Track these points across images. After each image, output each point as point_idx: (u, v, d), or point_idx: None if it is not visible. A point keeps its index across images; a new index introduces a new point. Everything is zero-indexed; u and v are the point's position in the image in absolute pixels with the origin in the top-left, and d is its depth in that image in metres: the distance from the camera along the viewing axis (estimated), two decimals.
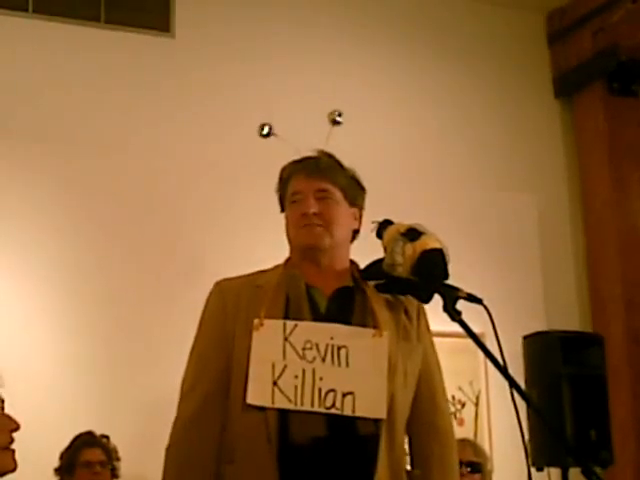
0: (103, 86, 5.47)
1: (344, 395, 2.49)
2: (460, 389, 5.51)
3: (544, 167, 6.41)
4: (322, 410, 2.46)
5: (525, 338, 5.28)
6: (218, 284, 2.70)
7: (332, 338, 2.54)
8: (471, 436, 5.20)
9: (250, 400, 2.46)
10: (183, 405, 2.58)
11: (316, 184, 2.65)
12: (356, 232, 2.74)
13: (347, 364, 2.52)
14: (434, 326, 2.73)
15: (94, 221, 5.18)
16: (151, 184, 5.34)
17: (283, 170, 2.76)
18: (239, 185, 5.44)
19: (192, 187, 5.41)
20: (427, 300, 2.56)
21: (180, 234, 5.29)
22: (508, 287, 5.80)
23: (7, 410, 2.51)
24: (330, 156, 2.74)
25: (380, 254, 2.62)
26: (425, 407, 2.64)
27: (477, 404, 5.57)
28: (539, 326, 5.52)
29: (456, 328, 2.38)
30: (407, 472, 2.59)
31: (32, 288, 5.00)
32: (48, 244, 5.07)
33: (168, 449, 2.58)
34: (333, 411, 2.47)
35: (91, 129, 5.37)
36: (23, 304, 4.96)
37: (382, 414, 2.50)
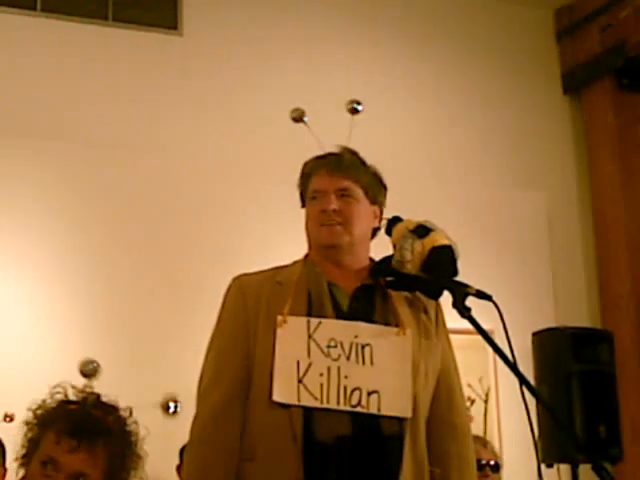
0: (111, 84, 5.48)
1: (369, 394, 2.48)
2: (469, 386, 5.50)
3: (553, 164, 6.40)
4: (348, 408, 2.46)
5: (534, 335, 5.27)
6: (237, 279, 2.69)
7: (356, 336, 2.53)
8: (480, 433, 5.20)
9: (276, 397, 2.45)
10: (203, 402, 2.56)
11: (337, 183, 2.64)
12: (376, 230, 2.73)
13: (371, 362, 2.52)
14: None
15: (108, 219, 5.19)
16: (160, 182, 5.34)
17: (305, 166, 2.75)
18: (254, 182, 5.44)
19: (204, 185, 5.40)
20: (436, 297, 2.57)
21: (197, 232, 5.29)
22: (518, 284, 5.80)
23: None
24: (353, 153, 2.73)
25: (389, 251, 2.62)
26: (443, 405, 2.64)
27: (487, 401, 5.57)
28: (548, 323, 5.50)
29: (466, 325, 2.38)
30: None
31: (44, 289, 5.01)
32: (59, 244, 5.08)
33: (189, 446, 2.56)
34: (359, 409, 2.46)
35: (99, 127, 5.37)
36: (34, 305, 4.97)
37: (407, 413, 2.50)
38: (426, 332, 2.63)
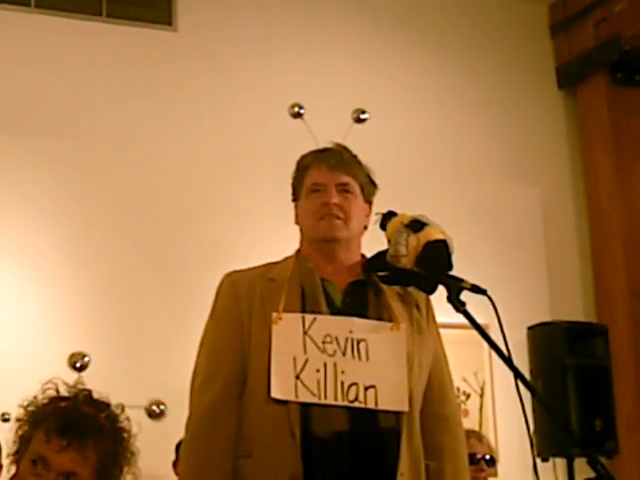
0: (105, 81, 5.47)
1: (366, 388, 2.49)
2: (465, 380, 5.51)
3: (548, 158, 6.40)
4: (345, 403, 2.46)
5: (530, 329, 5.29)
6: (229, 275, 2.68)
7: (351, 332, 2.54)
8: (476, 427, 5.21)
9: (274, 394, 2.45)
10: (198, 400, 2.55)
11: (338, 177, 2.65)
12: (364, 228, 2.73)
13: (367, 357, 2.53)
14: (439, 317, 2.73)
15: (101, 216, 5.17)
16: (155, 178, 5.33)
17: (302, 159, 2.75)
18: (250, 179, 5.44)
19: (199, 181, 5.39)
20: (431, 291, 2.56)
21: (192, 229, 5.28)
22: (513, 278, 5.80)
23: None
24: (348, 150, 2.74)
25: (384, 246, 2.62)
26: (435, 399, 2.64)
27: (482, 395, 5.57)
28: (543, 317, 5.52)
29: (460, 319, 2.39)
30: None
31: (37, 286, 5.00)
32: (53, 240, 5.07)
33: (185, 443, 2.56)
34: (356, 404, 2.47)
35: (93, 123, 5.37)
36: (30, 302, 4.96)
37: (405, 407, 2.51)
38: (418, 327, 2.63)
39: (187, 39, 5.73)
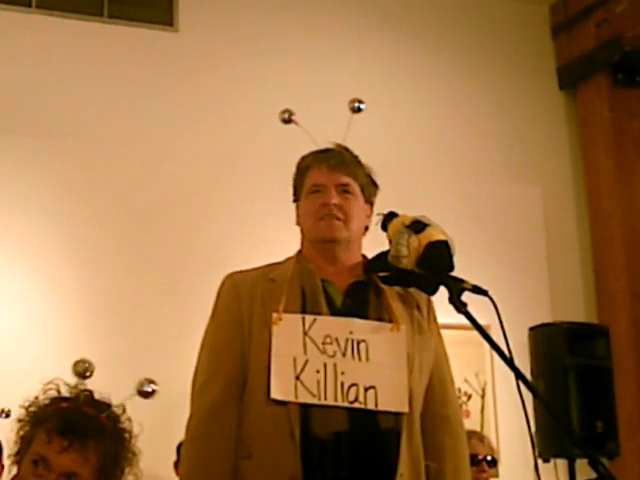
0: (106, 81, 5.47)
1: (366, 389, 2.49)
2: (466, 381, 5.50)
3: (549, 159, 6.40)
4: (345, 404, 2.46)
5: (531, 329, 5.29)
6: (230, 276, 2.68)
7: (351, 332, 2.54)
8: (477, 428, 5.20)
9: (274, 395, 2.45)
10: (198, 401, 2.55)
11: (338, 178, 2.65)
12: (365, 229, 2.74)
13: (367, 358, 2.53)
14: (440, 318, 2.74)
15: (101, 217, 5.17)
16: (154, 179, 5.33)
17: (302, 160, 2.75)
18: (250, 179, 5.43)
19: (199, 182, 5.39)
20: (433, 292, 2.56)
21: (192, 229, 5.28)
22: (514, 279, 5.80)
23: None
24: (349, 150, 2.74)
25: (385, 247, 2.62)
26: (436, 399, 2.64)
27: (483, 396, 5.57)
28: (545, 317, 5.52)
29: (462, 320, 2.38)
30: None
31: (39, 286, 5.00)
32: (53, 242, 5.07)
33: (185, 444, 2.56)
34: (356, 405, 2.47)
35: (94, 124, 5.37)
36: (31, 302, 4.96)
37: (404, 408, 2.51)
38: (419, 327, 2.63)
39: (188, 39, 5.73)
